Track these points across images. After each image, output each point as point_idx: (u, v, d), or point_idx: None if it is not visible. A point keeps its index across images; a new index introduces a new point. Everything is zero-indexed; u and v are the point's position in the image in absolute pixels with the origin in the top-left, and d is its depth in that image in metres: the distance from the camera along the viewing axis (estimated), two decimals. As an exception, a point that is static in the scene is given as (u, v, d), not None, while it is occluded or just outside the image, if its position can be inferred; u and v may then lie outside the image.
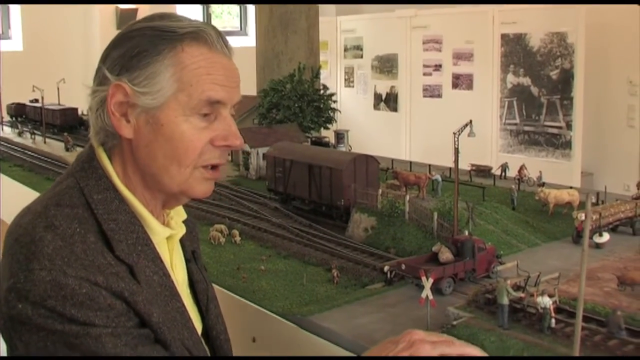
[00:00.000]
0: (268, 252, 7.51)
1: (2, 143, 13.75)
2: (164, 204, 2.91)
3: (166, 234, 2.86)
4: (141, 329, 2.44)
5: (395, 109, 20.98)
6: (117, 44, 2.70)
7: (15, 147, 13.43)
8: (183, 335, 2.66)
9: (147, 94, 2.58)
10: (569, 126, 17.27)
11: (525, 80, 17.99)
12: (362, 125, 20.62)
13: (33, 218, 2.48)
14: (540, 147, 17.79)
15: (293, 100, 11.40)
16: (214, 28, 2.75)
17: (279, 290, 6.61)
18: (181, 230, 3.05)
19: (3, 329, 2.43)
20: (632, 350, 6.04)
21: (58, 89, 14.84)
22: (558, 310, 5.97)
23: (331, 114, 11.78)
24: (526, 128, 18.03)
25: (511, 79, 18.22)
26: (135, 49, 2.61)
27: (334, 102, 11.94)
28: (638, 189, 8.85)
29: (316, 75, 12.30)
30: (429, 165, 11.15)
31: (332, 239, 7.82)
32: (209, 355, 3.10)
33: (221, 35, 2.78)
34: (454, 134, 6.94)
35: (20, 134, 14.80)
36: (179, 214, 3.10)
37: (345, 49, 22.35)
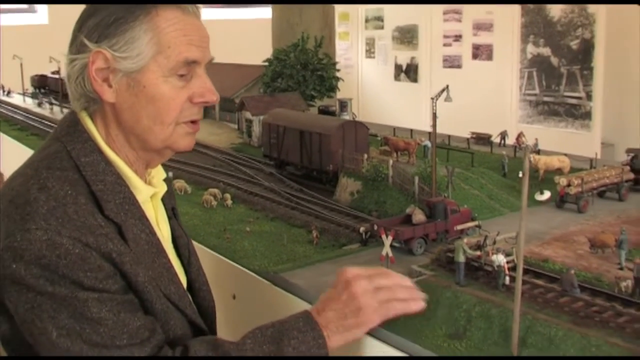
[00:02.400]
0: (256, 214, 7.73)
1: (22, 113, 14.17)
2: (147, 164, 3.28)
3: (150, 193, 2.98)
4: (126, 294, 2.49)
5: (415, 80, 20.99)
6: (92, 12, 3.04)
7: (34, 117, 13.83)
8: (170, 290, 2.64)
9: (127, 58, 2.94)
10: (589, 97, 17.08)
11: (545, 51, 17.84)
12: (383, 96, 20.69)
13: (25, 180, 2.48)
14: (560, 118, 17.60)
15: (296, 69, 11.58)
16: None
17: (260, 250, 6.83)
18: (163, 188, 3.42)
19: None
20: (581, 306, 6.17)
21: (76, 60, 15.20)
22: (525, 270, 6.10)
23: (334, 83, 11.91)
24: (546, 98, 17.88)
25: (531, 49, 18.07)
26: (112, 17, 2.97)
27: (337, 70, 12.05)
28: (627, 155, 8.90)
29: (319, 44, 12.42)
30: (429, 133, 11.27)
31: (318, 203, 8.03)
32: (194, 307, 3.23)
33: None
34: (432, 99, 7.10)
35: (39, 105, 15.22)
36: (159, 173, 3.39)
37: (366, 20, 22.33)
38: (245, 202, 8.42)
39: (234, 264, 6.11)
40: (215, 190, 8.58)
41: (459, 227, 6.63)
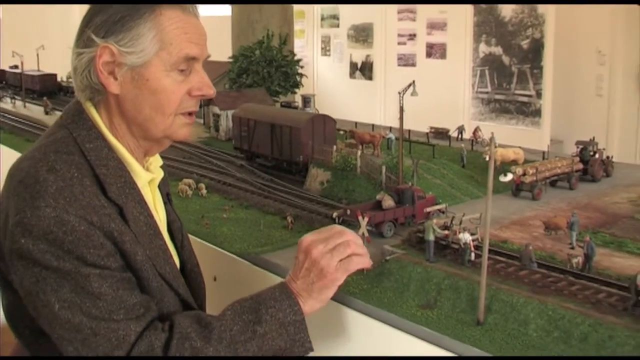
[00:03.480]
0: (231, 203, 8.28)
1: (-18, 107, 14.44)
2: (146, 152, 3.23)
3: (148, 178, 3.15)
4: (125, 272, 2.72)
5: (370, 78, 21.67)
6: (99, 10, 2.93)
7: (-5, 111, 14.13)
8: (165, 270, 2.93)
9: (132, 53, 2.82)
10: (539, 95, 17.84)
11: (497, 50, 18.59)
12: (339, 93, 21.31)
13: (34, 162, 2.74)
14: (511, 115, 18.37)
15: (262, 66, 12.17)
16: None
17: (238, 234, 7.35)
18: (160, 174, 3.40)
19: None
20: (539, 278, 6.99)
21: (37, 55, 15.45)
22: (488, 250, 6.82)
23: (298, 79, 12.54)
24: (497, 96, 18.63)
25: (483, 48, 18.84)
26: (118, 14, 2.86)
27: (301, 67, 12.67)
28: (576, 147, 9.74)
29: (284, 42, 13.04)
30: (390, 128, 11.95)
31: (290, 192, 8.63)
32: (187, 287, 3.60)
33: None
34: (399, 93, 7.79)
35: (0, 99, 15.48)
36: (156, 160, 3.40)
37: (322, 18, 22.98)
38: (220, 192, 8.99)
39: (214, 246, 6.69)
40: (190, 181, 9.11)
41: (427, 209, 7.35)
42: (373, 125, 12.29)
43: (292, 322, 2.83)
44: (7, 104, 14.22)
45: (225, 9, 18.02)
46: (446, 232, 6.60)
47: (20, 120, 13.11)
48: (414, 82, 7.95)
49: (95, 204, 2.68)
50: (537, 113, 17.86)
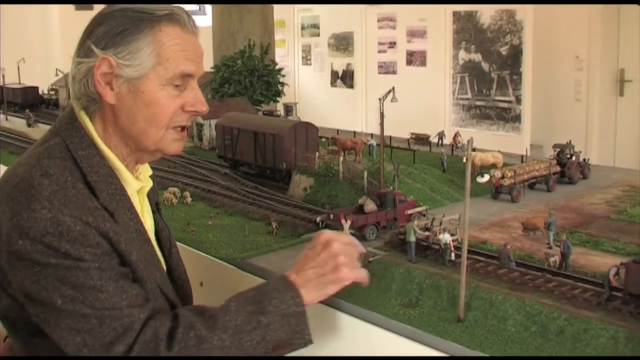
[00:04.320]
0: (216, 210, 8.47)
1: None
2: (137, 160, 3.28)
3: (138, 187, 3.26)
4: (122, 267, 2.83)
5: (351, 86, 21.95)
6: (101, 21, 3.06)
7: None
8: (155, 275, 3.03)
9: (130, 66, 2.96)
10: (518, 100, 18.17)
11: (477, 57, 18.91)
12: (320, 102, 21.56)
13: (28, 168, 2.84)
14: (492, 121, 18.64)
15: (244, 75, 12.41)
16: (185, 11, 3.11)
17: (224, 240, 7.55)
18: (149, 183, 3.46)
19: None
20: (517, 276, 7.27)
21: (18, 68, 15.62)
22: (467, 250, 7.08)
23: (280, 88, 12.78)
24: (477, 103, 18.92)
25: (463, 55, 19.16)
26: (119, 27, 2.98)
27: (283, 76, 12.92)
28: (554, 150, 10.03)
29: (265, 51, 13.29)
30: (372, 134, 12.20)
31: (274, 198, 8.84)
32: (174, 293, 3.74)
33: (190, 17, 3.10)
34: (379, 99, 8.04)
35: (-19, 111, 15.65)
36: (146, 170, 3.48)
37: (302, 28, 23.24)
38: (204, 200, 9.19)
39: (200, 252, 6.87)
40: (175, 189, 9.30)
41: (408, 211, 7.59)
42: (355, 132, 12.54)
43: (294, 313, 2.90)
44: (-10, 117, 14.37)
45: (207, 20, 18.25)
46: (427, 233, 6.86)
47: (2, 133, 13.27)
48: (393, 88, 8.22)
49: (89, 205, 2.77)
50: (517, 118, 18.18)
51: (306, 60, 23.08)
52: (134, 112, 3.09)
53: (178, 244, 6.29)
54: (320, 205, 8.43)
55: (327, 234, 3.10)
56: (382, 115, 7.75)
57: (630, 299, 5.48)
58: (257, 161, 9.11)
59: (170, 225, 7.74)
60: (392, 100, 8.12)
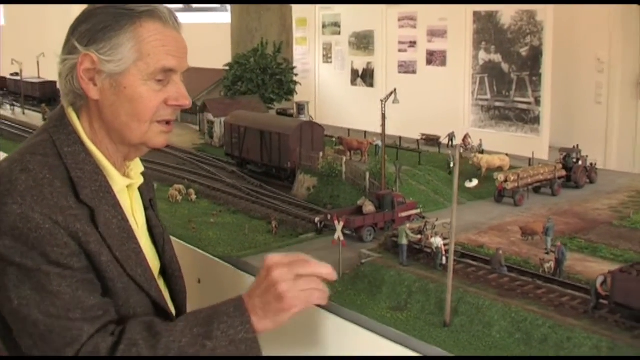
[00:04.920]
0: (219, 208, 8.52)
1: (-18, 114, 14.78)
2: (126, 156, 3.77)
3: (125, 183, 3.69)
4: (87, 274, 3.28)
5: (371, 85, 21.93)
6: (84, 19, 3.58)
7: (-5, 118, 14.45)
8: (136, 273, 3.41)
9: (111, 62, 3.41)
10: (537, 102, 18.05)
11: (496, 57, 18.83)
12: (340, 100, 21.55)
13: (11, 163, 2.87)
14: (510, 122, 18.53)
15: (256, 74, 12.47)
16: (167, 7, 3.62)
17: (224, 238, 7.62)
18: (139, 180, 3.92)
19: None
20: (507, 282, 7.23)
21: (38, 62, 15.80)
22: (462, 254, 7.07)
23: (292, 86, 12.82)
24: (497, 104, 18.83)
25: (483, 55, 19.08)
26: (101, 24, 3.47)
27: (295, 75, 12.95)
28: (560, 154, 9.97)
29: (278, 50, 13.33)
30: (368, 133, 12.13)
31: (277, 197, 8.89)
32: (161, 290, 3.81)
33: (172, 13, 3.65)
34: (381, 101, 8.05)
35: (0, 106, 15.83)
36: (137, 166, 3.97)
37: (324, 26, 23.28)
38: (209, 197, 9.26)
39: (198, 250, 6.97)
40: (180, 186, 9.38)
41: (402, 214, 7.59)
42: (365, 132, 12.55)
43: (244, 340, 2.99)
44: (6, 111, 14.57)
45: (226, 17, 18.33)
46: (419, 236, 6.86)
47: (19, 127, 13.45)
48: (395, 90, 8.23)
49: (62, 205, 2.72)
50: (536, 120, 18.06)
51: (327, 58, 23.09)
52: (117, 107, 3.14)
53: (177, 240, 6.39)
54: (323, 206, 8.48)
55: (270, 258, 3.13)
56: (383, 116, 7.78)
57: (617, 308, 5.45)
58: (263, 160, 9.17)
59: (172, 222, 7.81)
60: (393, 102, 8.14)
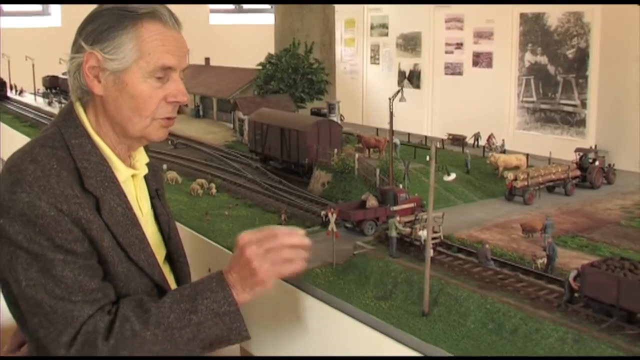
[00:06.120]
0: (237, 202, 8.81)
1: (33, 111, 15.46)
2: (129, 147, 3.64)
3: (130, 173, 3.60)
4: (88, 260, 3.12)
5: (418, 86, 22.16)
6: (90, 20, 3.47)
7: (44, 115, 15.12)
8: (139, 257, 3.38)
9: (114, 60, 3.32)
10: (583, 104, 18.17)
11: (543, 59, 18.92)
12: (387, 101, 21.74)
13: (22, 154, 3.21)
14: (556, 125, 18.63)
15: (287, 73, 12.79)
16: (167, 8, 3.44)
17: (235, 230, 7.92)
18: (143, 170, 3.78)
19: None
20: (489, 275, 7.34)
21: (74, 59, 16.39)
22: (458, 249, 7.26)
23: (323, 86, 13.12)
24: (542, 106, 18.94)
25: (529, 57, 19.19)
26: (105, 25, 3.36)
27: (326, 74, 13.25)
28: (576, 154, 10.02)
29: (310, 49, 13.64)
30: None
31: (293, 192, 9.19)
32: (164, 275, 3.69)
33: (172, 14, 3.48)
34: (389, 99, 8.28)
35: (49, 104, 16.55)
36: (142, 157, 3.82)
37: (372, 27, 23.62)
38: (229, 191, 9.59)
39: (209, 240, 7.30)
40: (202, 181, 9.71)
41: (394, 207, 7.78)
42: (409, 134, 12.75)
43: (227, 312, 3.29)
44: (55, 108, 15.26)
45: (269, 18, 18.75)
46: (409, 229, 7.07)
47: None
48: (402, 88, 8.44)
49: (68, 194, 3.11)
50: (582, 123, 18.12)
51: (374, 59, 23.39)
52: (119, 102, 3.43)
53: (189, 231, 6.95)
54: (335, 200, 8.76)
55: (243, 237, 3.46)
56: (391, 114, 8.02)
57: (588, 301, 5.58)
58: (283, 156, 9.50)
59: (190, 214, 8.18)
60: (400, 100, 8.34)
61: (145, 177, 3.92)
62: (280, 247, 3.49)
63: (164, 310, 3.30)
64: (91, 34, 3.46)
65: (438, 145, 10.97)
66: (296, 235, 3.55)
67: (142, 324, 3.09)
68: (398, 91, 8.70)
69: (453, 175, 8.42)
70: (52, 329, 3.02)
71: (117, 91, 3.43)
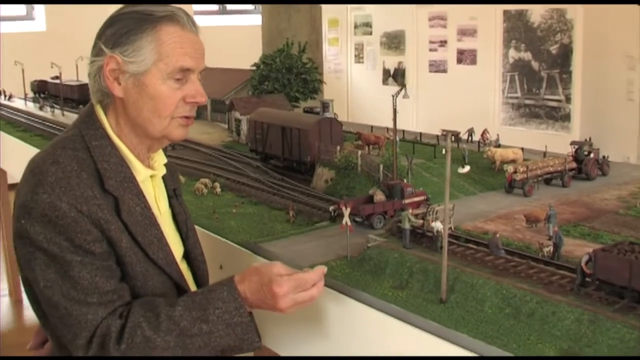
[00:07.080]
0: (242, 200, 8.95)
1: (25, 116, 15.52)
2: (149, 148, 3.69)
3: (148, 174, 3.65)
4: (106, 261, 3.18)
5: (402, 84, 22.33)
6: (110, 24, 3.53)
7: (37, 120, 15.18)
8: (158, 256, 3.42)
9: (134, 62, 3.37)
10: (568, 99, 18.61)
11: (526, 55, 19.26)
12: (372, 100, 22.09)
13: (44, 155, 3.25)
14: (541, 120, 18.99)
15: (282, 73, 13.02)
16: (185, 11, 3.51)
17: (244, 227, 8.06)
18: (162, 171, 3.84)
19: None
20: (502, 262, 7.67)
21: (77, 66, 16.48)
22: (466, 240, 7.53)
23: (317, 85, 13.36)
24: (527, 101, 19.31)
25: (513, 54, 19.51)
26: (124, 29, 3.42)
27: (320, 74, 13.50)
28: (571, 146, 10.35)
29: (303, 49, 13.87)
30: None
31: (296, 189, 9.39)
32: (182, 273, 3.71)
33: (190, 17, 3.55)
34: (393, 96, 8.54)
35: (41, 108, 16.60)
36: (160, 158, 3.89)
37: (355, 26, 23.93)
38: (233, 190, 9.74)
39: (220, 238, 7.43)
40: (206, 180, 9.86)
41: (405, 201, 8.03)
42: (387, 128, 13.01)
43: (239, 323, 3.31)
44: (46, 113, 15.34)
45: (256, 19, 18.96)
46: (421, 221, 7.33)
47: (58, 127, 14.18)
48: (405, 85, 8.71)
49: (87, 195, 3.17)
50: (567, 117, 18.49)
51: (359, 58, 23.67)
52: (139, 104, 3.51)
53: (201, 229, 7.13)
54: (339, 197, 8.96)
55: (281, 283, 3.48)
56: (395, 111, 8.27)
57: (600, 284, 5.88)
58: (285, 154, 9.71)
59: (197, 213, 8.36)
60: (403, 97, 8.60)
61: (164, 177, 4.02)
62: (309, 300, 3.63)
63: (175, 316, 3.33)
64: (111, 38, 3.56)
65: (431, 142, 11.26)
66: (317, 274, 3.78)
67: (153, 330, 3.17)
68: (401, 89, 8.96)
69: (467, 168, 8.69)
70: (68, 331, 3.14)
71: (137, 93, 3.53)
